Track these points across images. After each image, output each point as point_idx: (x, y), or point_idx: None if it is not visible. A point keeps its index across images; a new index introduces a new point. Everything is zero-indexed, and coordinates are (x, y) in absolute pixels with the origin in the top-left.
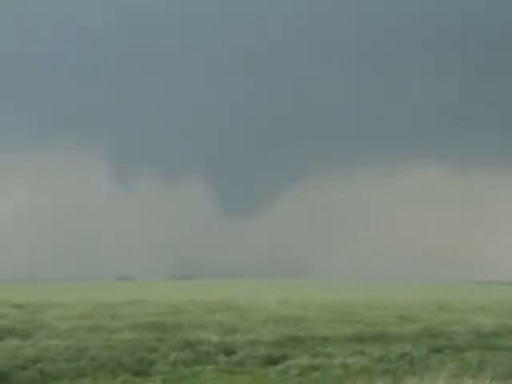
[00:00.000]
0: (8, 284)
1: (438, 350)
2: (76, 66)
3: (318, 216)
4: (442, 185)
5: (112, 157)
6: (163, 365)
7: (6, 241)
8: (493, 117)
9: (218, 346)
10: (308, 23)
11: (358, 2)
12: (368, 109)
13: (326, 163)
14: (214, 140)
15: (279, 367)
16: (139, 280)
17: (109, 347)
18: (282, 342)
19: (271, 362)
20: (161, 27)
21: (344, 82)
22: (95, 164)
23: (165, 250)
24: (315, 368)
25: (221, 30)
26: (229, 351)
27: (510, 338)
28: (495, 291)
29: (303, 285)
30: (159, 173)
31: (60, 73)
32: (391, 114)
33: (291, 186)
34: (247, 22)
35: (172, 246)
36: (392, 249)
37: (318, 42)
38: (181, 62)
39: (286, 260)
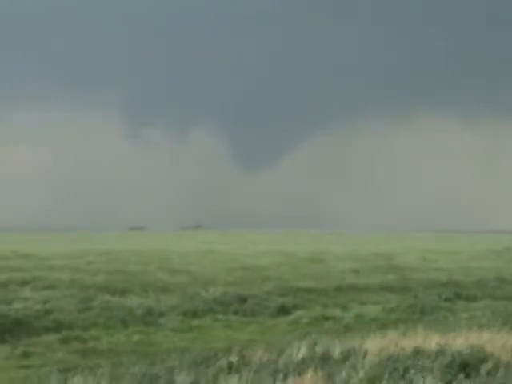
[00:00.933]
0: (20, 234)
1: (448, 299)
2: (87, 20)
3: (333, 168)
4: (455, 134)
5: (124, 109)
6: (173, 315)
7: (20, 192)
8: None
9: (230, 296)
10: None
11: None
12: (378, 60)
13: (340, 116)
14: (228, 91)
15: (290, 317)
16: (151, 230)
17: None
18: (293, 292)
19: (283, 312)
20: None
21: (350, 37)
22: (108, 117)
23: (177, 200)
24: (326, 318)
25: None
26: (240, 301)
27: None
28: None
29: (315, 235)
30: (172, 125)
31: (71, 27)
32: (400, 66)
33: (303, 140)
34: None
35: (185, 197)
36: (405, 199)
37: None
38: (194, 18)
39: (300, 211)
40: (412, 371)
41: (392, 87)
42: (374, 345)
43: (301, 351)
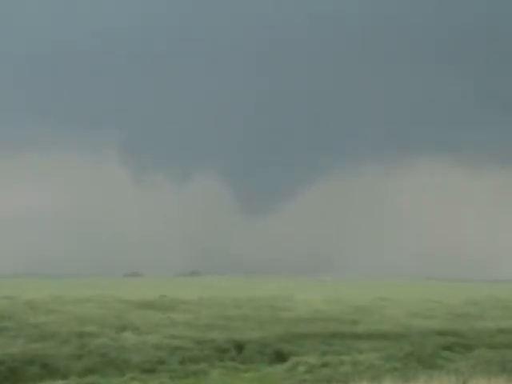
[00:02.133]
0: (18, 279)
1: (447, 348)
2: (89, 64)
3: (335, 213)
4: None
5: (125, 152)
6: (171, 362)
7: (15, 237)
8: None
9: (227, 343)
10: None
11: None
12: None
13: (342, 159)
14: (229, 136)
15: (287, 364)
16: (147, 276)
17: (117, 345)
18: (289, 339)
19: (279, 359)
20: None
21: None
22: (109, 161)
23: (176, 245)
24: (324, 365)
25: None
26: (237, 348)
27: None
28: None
29: (311, 281)
30: (173, 169)
31: (71, 71)
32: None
33: (306, 184)
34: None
35: (183, 242)
36: (408, 245)
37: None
38: (192, 59)
39: (300, 256)
40: None
41: (394, 131)
42: None
43: None
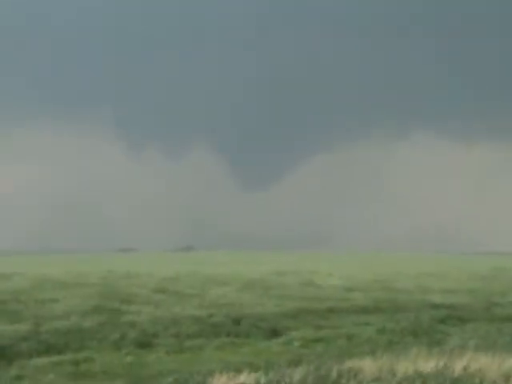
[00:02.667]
0: (13, 255)
1: (442, 321)
2: (88, 38)
3: (333, 188)
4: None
5: (121, 128)
6: (166, 337)
7: (13, 212)
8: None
9: (222, 318)
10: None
11: None
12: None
13: (342, 135)
14: (227, 111)
15: (283, 339)
16: (141, 251)
17: (112, 320)
18: (284, 314)
19: (275, 333)
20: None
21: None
22: (101, 137)
23: (171, 221)
24: (319, 339)
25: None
26: (233, 323)
27: None
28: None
29: (308, 255)
30: (169, 144)
31: (69, 45)
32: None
33: (304, 158)
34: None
35: (179, 218)
36: (406, 219)
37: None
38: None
39: (298, 231)
40: None
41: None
42: (371, 366)
43: (298, 373)
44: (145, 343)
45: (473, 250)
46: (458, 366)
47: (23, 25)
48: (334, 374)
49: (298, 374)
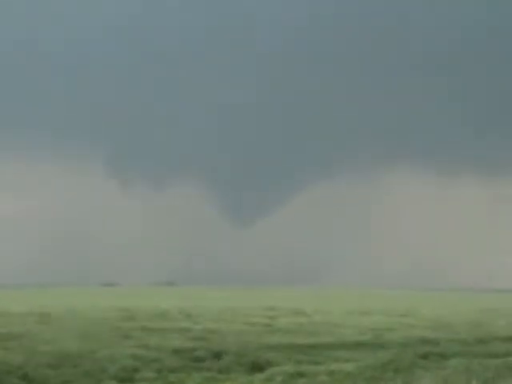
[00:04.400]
0: None
1: (424, 357)
2: (68, 69)
3: (320, 224)
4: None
5: (108, 162)
6: (148, 371)
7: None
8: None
9: (204, 352)
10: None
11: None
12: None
13: (327, 170)
14: (216, 142)
15: (265, 374)
16: (124, 286)
17: (92, 354)
18: (266, 349)
19: (257, 368)
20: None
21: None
22: (89, 171)
23: (155, 256)
24: (300, 375)
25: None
26: (215, 358)
27: None
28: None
29: (292, 291)
30: (156, 180)
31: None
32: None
33: (286, 196)
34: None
35: (163, 253)
36: (392, 256)
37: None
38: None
39: (281, 266)
40: None
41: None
42: None
43: None
44: (125, 378)
45: (462, 286)
46: None
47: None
48: None
49: None
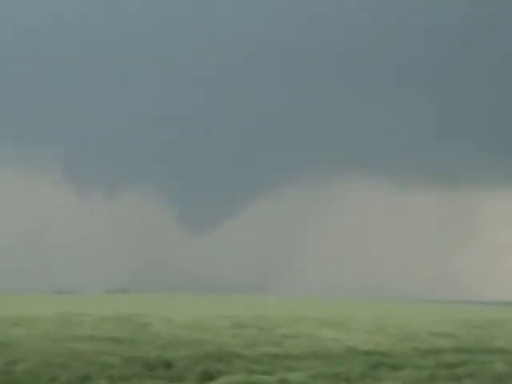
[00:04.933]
0: None
1: (375, 367)
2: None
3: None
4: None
5: (63, 168)
6: (99, 379)
7: None
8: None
9: (155, 360)
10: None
11: None
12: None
13: (289, 174)
14: (169, 150)
15: (215, 383)
16: (77, 293)
17: (44, 361)
18: (218, 358)
19: (208, 377)
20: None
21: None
22: (43, 174)
23: (108, 263)
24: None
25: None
26: (166, 366)
27: None
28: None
29: (243, 300)
30: (113, 186)
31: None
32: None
33: (247, 201)
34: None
35: (114, 259)
36: (357, 265)
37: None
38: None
39: (234, 274)
40: None
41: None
42: None
43: None
44: None
45: (413, 297)
46: None
47: None
48: None
49: None
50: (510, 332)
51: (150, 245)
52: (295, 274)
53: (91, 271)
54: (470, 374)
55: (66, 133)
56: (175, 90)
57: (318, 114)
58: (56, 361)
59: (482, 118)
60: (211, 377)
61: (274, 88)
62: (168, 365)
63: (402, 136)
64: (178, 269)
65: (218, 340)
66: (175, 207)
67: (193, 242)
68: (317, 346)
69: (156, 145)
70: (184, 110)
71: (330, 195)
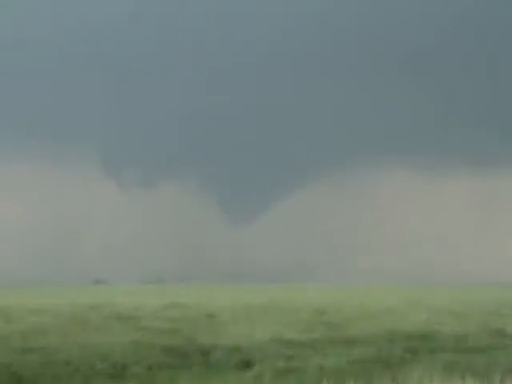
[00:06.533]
0: None
1: (413, 352)
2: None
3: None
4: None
5: (99, 161)
6: (138, 368)
7: None
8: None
9: (193, 349)
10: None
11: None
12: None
13: (325, 169)
14: (206, 143)
15: (254, 370)
16: (114, 284)
17: (82, 353)
18: (255, 345)
19: (246, 365)
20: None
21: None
22: (80, 170)
23: (148, 253)
24: (290, 370)
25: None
26: (203, 355)
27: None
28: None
29: (285, 288)
30: (146, 174)
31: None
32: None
33: (284, 194)
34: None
35: (152, 250)
36: (384, 254)
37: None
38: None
39: (278, 263)
40: None
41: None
42: None
43: None
44: (116, 375)
45: (462, 282)
46: None
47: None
48: None
49: None
50: None
51: (189, 235)
52: (344, 260)
53: (129, 262)
54: None
55: (106, 127)
56: (213, 82)
57: (357, 105)
58: (93, 351)
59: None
60: (248, 364)
61: (311, 82)
62: (205, 353)
63: (430, 122)
64: (221, 258)
65: (255, 326)
66: (215, 198)
67: (232, 231)
68: (355, 331)
69: (195, 135)
70: (224, 99)
71: (367, 184)
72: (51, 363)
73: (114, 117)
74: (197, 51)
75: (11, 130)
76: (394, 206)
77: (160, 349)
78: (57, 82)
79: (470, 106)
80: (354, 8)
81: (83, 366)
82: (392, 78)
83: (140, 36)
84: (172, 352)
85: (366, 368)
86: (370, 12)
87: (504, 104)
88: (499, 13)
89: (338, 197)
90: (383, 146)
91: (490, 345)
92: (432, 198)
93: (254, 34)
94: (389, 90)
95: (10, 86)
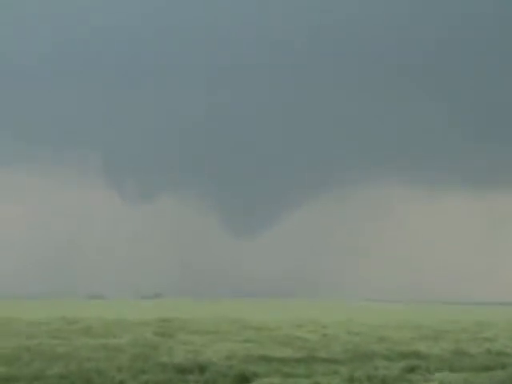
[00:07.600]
0: None
1: (411, 371)
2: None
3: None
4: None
5: (99, 171)
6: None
7: None
8: None
9: (189, 364)
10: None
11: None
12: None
13: (328, 182)
14: (212, 153)
15: None
16: (110, 299)
17: (77, 366)
18: (253, 361)
19: (243, 381)
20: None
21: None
22: (80, 179)
23: (141, 267)
24: None
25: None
26: (200, 370)
27: None
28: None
29: (282, 303)
30: (145, 185)
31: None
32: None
33: (290, 208)
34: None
35: (149, 265)
36: (386, 271)
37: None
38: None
39: (277, 278)
40: None
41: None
42: None
43: None
44: None
45: (455, 300)
46: None
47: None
48: None
49: None
50: None
51: (188, 248)
52: (345, 278)
53: (126, 276)
54: None
55: (108, 138)
56: (219, 91)
57: (358, 118)
58: (89, 366)
59: None
60: (246, 379)
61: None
62: (202, 369)
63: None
64: (216, 273)
65: (253, 343)
66: (216, 211)
67: (235, 244)
68: (354, 349)
69: (198, 147)
70: (224, 99)
71: (369, 201)
72: (45, 377)
73: (114, 120)
74: (197, 51)
75: (11, 133)
76: (397, 221)
77: (155, 364)
78: (57, 84)
79: (472, 120)
80: (354, 8)
81: (78, 381)
82: (395, 86)
83: (140, 36)
84: (167, 367)
85: None
86: (370, 12)
87: (506, 118)
88: (499, 13)
89: (337, 213)
90: (383, 161)
91: (489, 365)
92: (433, 216)
93: (254, 34)
94: (391, 102)
95: (9, 86)
